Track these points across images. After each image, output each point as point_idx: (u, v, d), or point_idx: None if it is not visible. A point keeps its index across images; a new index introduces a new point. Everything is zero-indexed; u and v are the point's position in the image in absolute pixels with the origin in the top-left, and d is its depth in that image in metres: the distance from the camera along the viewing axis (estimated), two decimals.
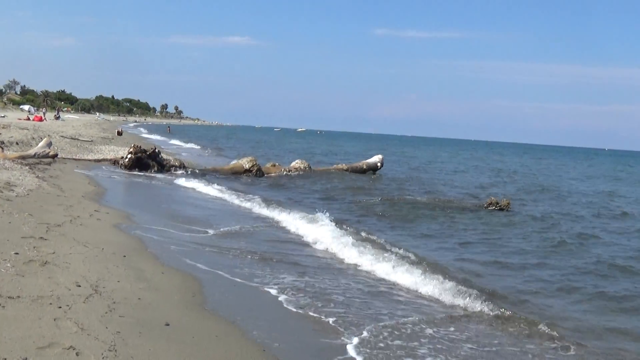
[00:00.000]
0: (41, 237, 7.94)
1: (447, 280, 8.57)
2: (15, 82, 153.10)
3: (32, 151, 21.60)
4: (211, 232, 11.27)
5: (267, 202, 15.96)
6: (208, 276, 7.86)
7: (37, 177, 14.87)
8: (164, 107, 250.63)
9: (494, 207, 18.83)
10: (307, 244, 11.26)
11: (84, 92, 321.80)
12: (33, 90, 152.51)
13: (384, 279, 8.92)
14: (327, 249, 10.87)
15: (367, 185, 23.68)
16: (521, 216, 17.69)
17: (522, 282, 9.31)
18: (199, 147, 48.16)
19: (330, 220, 12.75)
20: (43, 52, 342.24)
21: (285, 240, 11.51)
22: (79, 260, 7.19)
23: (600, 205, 22.14)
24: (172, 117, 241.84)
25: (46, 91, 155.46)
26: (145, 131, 75.15)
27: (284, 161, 31.50)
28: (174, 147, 45.80)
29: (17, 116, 65.18)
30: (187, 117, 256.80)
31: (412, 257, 10.14)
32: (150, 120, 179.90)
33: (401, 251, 10.54)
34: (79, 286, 6.19)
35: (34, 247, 7.38)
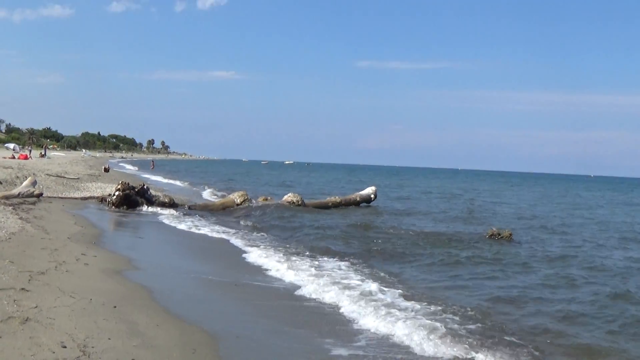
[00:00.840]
0: (22, 289, 7.19)
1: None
2: (0, 121, 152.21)
3: (15, 191, 20.81)
4: (211, 277, 10.52)
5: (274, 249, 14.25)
6: (211, 327, 7.13)
7: (21, 218, 14.10)
8: (151, 142, 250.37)
9: (495, 238, 18.25)
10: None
11: (70, 129, 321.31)
12: (18, 129, 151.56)
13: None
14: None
15: (365, 219, 22.99)
16: (526, 247, 17.08)
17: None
18: (184, 183, 47.46)
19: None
20: (28, 89, 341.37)
21: (306, 311, 8.66)
22: (64, 315, 6.45)
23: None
24: (158, 152, 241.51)
25: (31, 129, 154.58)
26: (130, 167, 74.35)
27: (277, 194, 30.87)
28: (162, 183, 45.05)
29: (1, 155, 64.25)
30: (174, 152, 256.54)
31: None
32: (136, 155, 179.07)
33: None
34: (65, 347, 5.45)
35: (14, 301, 6.63)
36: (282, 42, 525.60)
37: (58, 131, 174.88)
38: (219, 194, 35.37)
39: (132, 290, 8.36)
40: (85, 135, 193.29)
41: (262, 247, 14.22)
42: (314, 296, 9.29)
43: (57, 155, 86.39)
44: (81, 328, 6.09)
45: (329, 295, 9.27)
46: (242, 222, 20.42)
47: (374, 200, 30.90)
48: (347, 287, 9.87)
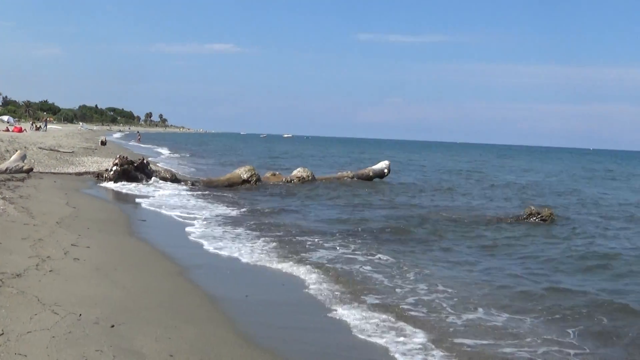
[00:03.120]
0: None
1: None
2: None
3: (2, 166, 18.90)
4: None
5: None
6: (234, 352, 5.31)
7: (4, 198, 12.21)
8: (149, 115, 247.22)
9: (535, 218, 16.42)
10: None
11: (67, 102, 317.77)
12: (15, 101, 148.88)
13: None
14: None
15: (382, 197, 21.10)
16: (568, 229, 15.24)
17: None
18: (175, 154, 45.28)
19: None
20: (26, 62, 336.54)
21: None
22: (41, 344, 4.60)
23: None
24: (156, 125, 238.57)
25: (28, 102, 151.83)
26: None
27: (282, 167, 28.99)
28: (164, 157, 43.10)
29: None
30: (171, 125, 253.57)
31: None
32: (134, 128, 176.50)
33: None
34: None
35: None
36: (282, 14, 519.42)
37: (55, 104, 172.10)
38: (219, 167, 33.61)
39: (136, 297, 6.52)
40: (83, 108, 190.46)
41: None
42: None
43: (53, 128, 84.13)
44: None
45: None
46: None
47: (387, 174, 29.13)
48: None
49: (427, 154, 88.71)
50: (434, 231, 13.93)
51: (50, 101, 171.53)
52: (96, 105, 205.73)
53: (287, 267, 9.07)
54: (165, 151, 42.38)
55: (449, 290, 8.09)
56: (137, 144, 69.11)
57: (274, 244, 10.85)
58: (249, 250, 10.12)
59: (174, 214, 13.98)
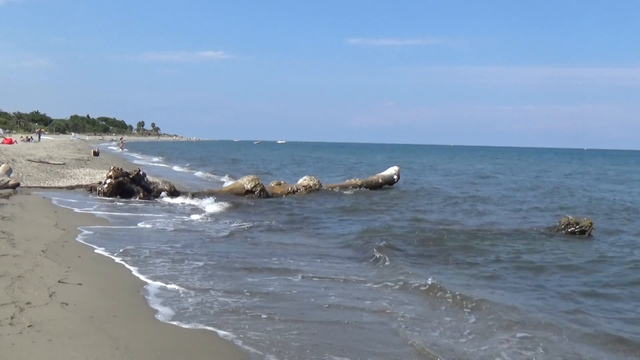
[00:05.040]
0: None
1: None
2: None
3: None
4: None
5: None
6: None
7: None
8: (141, 124, 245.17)
9: (573, 229, 14.88)
10: None
11: (59, 112, 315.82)
12: (5, 113, 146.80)
13: None
14: None
15: (402, 208, 19.53)
16: (607, 245, 13.54)
17: None
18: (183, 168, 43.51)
19: None
20: (15, 73, 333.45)
21: None
22: None
23: None
24: (149, 134, 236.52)
25: (19, 113, 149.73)
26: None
27: (287, 176, 27.44)
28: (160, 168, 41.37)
29: None
30: (164, 134, 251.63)
31: None
32: (126, 138, 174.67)
33: None
34: None
35: None
36: (271, 20, 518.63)
37: (46, 115, 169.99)
38: (215, 177, 31.90)
39: None
40: (74, 118, 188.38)
41: None
42: None
43: (45, 139, 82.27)
44: None
45: None
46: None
47: (397, 181, 27.72)
48: None
49: (425, 157, 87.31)
50: (468, 248, 12.35)
51: (41, 112, 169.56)
52: (88, 115, 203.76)
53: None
54: (177, 167, 40.35)
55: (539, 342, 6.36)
56: (120, 150, 67.18)
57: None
58: None
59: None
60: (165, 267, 8.77)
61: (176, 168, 40.52)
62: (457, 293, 7.96)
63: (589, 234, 14.71)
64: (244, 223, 14.63)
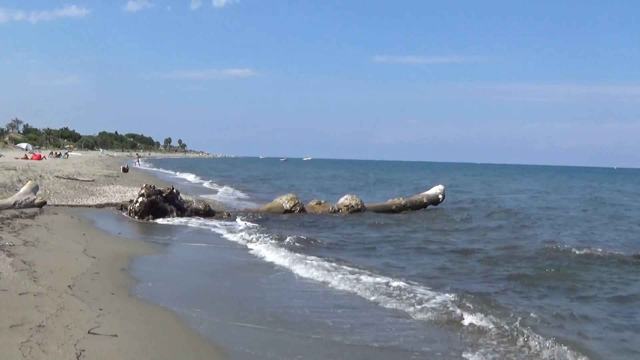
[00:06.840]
0: None
1: None
2: (17, 122, 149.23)
3: (11, 199, 16.05)
4: None
5: None
6: None
7: (1, 247, 9.23)
8: (168, 141, 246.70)
9: None
10: None
11: (87, 128, 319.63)
12: (36, 129, 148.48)
13: None
14: None
15: (465, 231, 17.80)
16: None
17: None
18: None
19: None
20: (46, 91, 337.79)
21: None
22: None
23: None
24: (175, 150, 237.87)
25: (49, 129, 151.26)
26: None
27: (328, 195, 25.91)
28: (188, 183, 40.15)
29: (15, 155, 59.94)
30: (191, 150, 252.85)
31: None
32: (153, 154, 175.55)
33: None
34: None
35: None
36: (297, 38, 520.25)
37: (75, 131, 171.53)
38: (245, 195, 30.47)
39: None
40: (103, 134, 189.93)
41: None
42: None
43: (73, 155, 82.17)
44: None
45: None
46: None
47: (441, 201, 25.99)
48: None
49: (463, 175, 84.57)
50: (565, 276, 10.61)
51: (70, 128, 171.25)
52: (116, 132, 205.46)
53: None
54: (207, 184, 38.82)
55: None
56: (137, 166, 66.25)
57: None
58: None
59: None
60: (213, 312, 7.19)
61: (206, 185, 39.23)
62: None
63: None
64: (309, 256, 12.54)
